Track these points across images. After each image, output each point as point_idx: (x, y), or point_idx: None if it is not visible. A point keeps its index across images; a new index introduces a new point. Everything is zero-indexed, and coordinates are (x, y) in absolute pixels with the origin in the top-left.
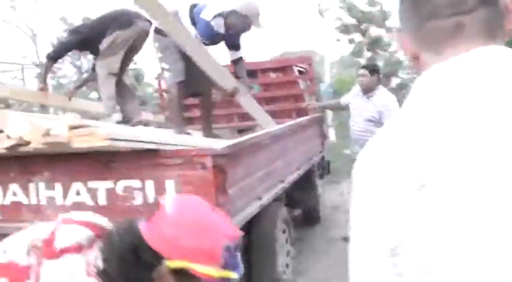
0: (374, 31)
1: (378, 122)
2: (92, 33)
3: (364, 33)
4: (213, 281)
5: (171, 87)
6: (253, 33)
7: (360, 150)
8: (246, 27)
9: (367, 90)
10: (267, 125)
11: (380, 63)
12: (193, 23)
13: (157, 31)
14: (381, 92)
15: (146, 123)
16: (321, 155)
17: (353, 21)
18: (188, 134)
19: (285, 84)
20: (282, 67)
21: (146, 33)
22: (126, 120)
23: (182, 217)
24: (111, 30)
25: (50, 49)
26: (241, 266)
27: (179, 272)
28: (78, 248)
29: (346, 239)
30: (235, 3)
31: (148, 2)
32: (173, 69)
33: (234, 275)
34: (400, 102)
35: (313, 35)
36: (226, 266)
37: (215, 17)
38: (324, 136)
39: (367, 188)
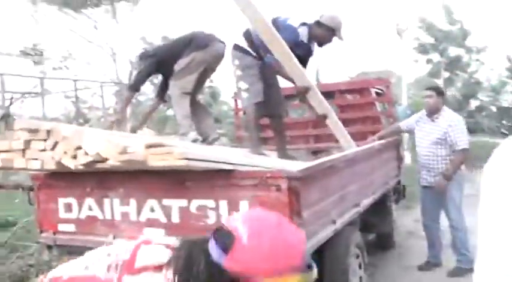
0: (453, 51)
1: (444, 144)
2: (167, 55)
3: (442, 53)
4: None
5: (248, 107)
6: (333, 45)
7: (427, 176)
8: (328, 39)
9: (433, 112)
10: (348, 147)
11: (458, 85)
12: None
13: (239, 48)
14: (446, 112)
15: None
16: (397, 179)
17: (431, 40)
18: (263, 154)
19: (362, 106)
20: (360, 88)
21: (221, 55)
22: (203, 139)
23: (261, 245)
24: (188, 51)
25: (128, 71)
26: (313, 263)
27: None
28: (158, 268)
29: (421, 268)
30: (320, 16)
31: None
32: (252, 90)
33: (313, 274)
34: (478, 125)
35: (391, 55)
36: (305, 268)
37: (301, 25)
38: (400, 160)
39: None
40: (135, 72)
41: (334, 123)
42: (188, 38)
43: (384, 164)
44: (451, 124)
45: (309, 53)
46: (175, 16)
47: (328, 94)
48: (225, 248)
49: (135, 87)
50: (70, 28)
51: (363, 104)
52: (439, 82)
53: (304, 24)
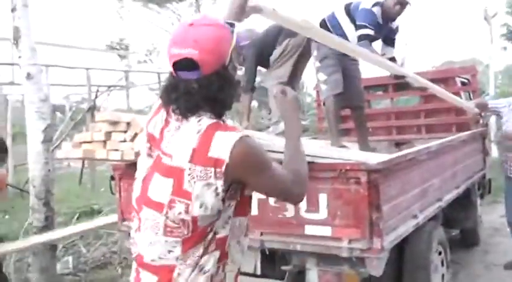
0: None
1: None
2: (262, 45)
3: None
4: (237, 41)
5: (327, 99)
6: (408, 13)
7: None
8: (395, 9)
9: None
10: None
11: None
12: (352, 21)
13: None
14: None
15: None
16: (482, 173)
17: None
18: (344, 146)
19: None
20: (445, 78)
21: (310, 40)
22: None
23: (210, 48)
24: (281, 40)
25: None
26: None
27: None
28: None
29: (507, 267)
30: None
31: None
32: (330, 81)
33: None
34: None
35: (478, 43)
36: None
37: (374, 5)
38: (486, 152)
39: None
40: (240, 73)
41: (438, 91)
42: (278, 27)
43: (468, 156)
44: None
45: (391, 32)
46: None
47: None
48: (195, 65)
49: (249, 87)
50: (154, 22)
51: None
52: None
53: (376, 4)
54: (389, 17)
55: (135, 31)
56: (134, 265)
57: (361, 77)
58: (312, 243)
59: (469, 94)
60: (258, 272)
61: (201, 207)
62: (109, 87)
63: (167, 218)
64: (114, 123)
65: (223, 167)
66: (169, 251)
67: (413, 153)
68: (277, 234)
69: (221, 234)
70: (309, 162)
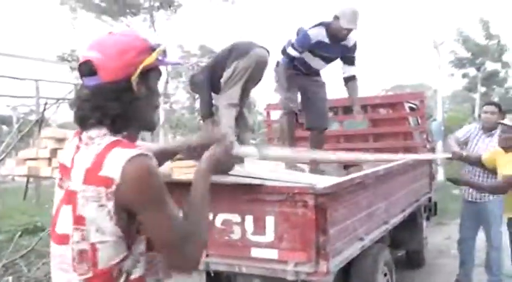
0: (490, 65)
1: None
2: (213, 71)
3: (479, 67)
4: (159, 61)
5: (281, 118)
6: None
7: (473, 191)
8: (341, 31)
9: (490, 129)
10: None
11: (495, 99)
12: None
13: (277, 64)
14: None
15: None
16: (429, 196)
17: (468, 54)
18: (296, 168)
19: (394, 121)
20: (393, 103)
21: (264, 60)
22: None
23: (109, 51)
24: (229, 62)
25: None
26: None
27: (142, 74)
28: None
29: None
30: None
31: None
32: (285, 99)
33: (161, 47)
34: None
35: (426, 69)
36: (154, 48)
37: (314, 26)
38: (432, 176)
39: None
40: (198, 101)
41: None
42: (228, 49)
43: (415, 180)
44: None
45: (347, 50)
46: (212, 24)
47: (361, 108)
48: (93, 70)
49: (208, 112)
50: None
51: (395, 118)
52: (475, 96)
53: (319, 24)
54: (337, 37)
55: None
56: None
57: (325, 97)
58: (258, 265)
59: (417, 119)
60: None
61: (97, 231)
62: (58, 99)
63: (72, 249)
64: (60, 140)
65: (114, 187)
66: None
67: (361, 177)
68: (223, 256)
69: (135, 274)
70: (257, 185)
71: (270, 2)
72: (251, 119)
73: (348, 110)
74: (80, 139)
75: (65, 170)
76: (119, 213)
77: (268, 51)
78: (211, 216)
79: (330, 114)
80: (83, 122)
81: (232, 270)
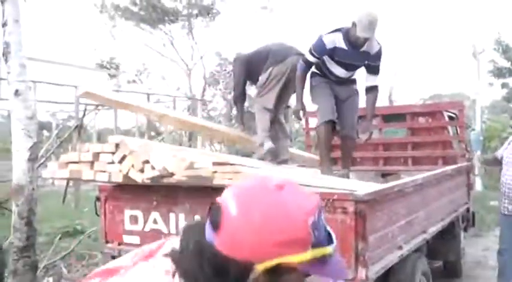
0: None
1: None
2: (251, 65)
3: None
4: (311, 265)
5: (319, 127)
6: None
7: (510, 205)
8: (356, 37)
9: None
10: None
11: None
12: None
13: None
14: None
15: (286, 162)
16: (466, 206)
17: (508, 64)
18: (333, 174)
19: (433, 130)
20: (432, 112)
21: (296, 69)
22: (272, 158)
23: (251, 215)
24: (266, 66)
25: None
26: (332, 234)
27: (272, 271)
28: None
29: None
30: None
31: None
32: (321, 109)
33: (329, 248)
34: None
35: (465, 78)
36: (318, 243)
37: (331, 32)
38: (470, 186)
39: None
40: (233, 83)
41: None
42: (266, 52)
43: (453, 190)
44: None
45: (370, 58)
46: (250, 32)
47: (400, 116)
48: (215, 224)
49: (239, 97)
50: (146, 43)
51: (434, 127)
52: None
53: (336, 30)
54: (356, 44)
55: (126, 51)
56: None
57: (357, 108)
58: None
59: (456, 129)
60: None
61: None
62: (97, 106)
63: None
64: (103, 144)
65: None
66: None
67: (401, 185)
68: None
69: None
70: None
71: (309, 10)
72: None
73: (387, 118)
74: None
75: None
76: None
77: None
78: None
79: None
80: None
81: None
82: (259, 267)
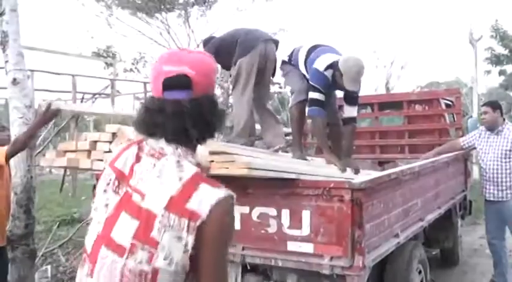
0: None
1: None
2: (220, 52)
3: None
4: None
5: (291, 107)
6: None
7: (494, 190)
8: (342, 85)
9: (492, 128)
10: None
11: None
12: (305, 66)
13: (283, 62)
14: (509, 125)
15: (285, 150)
16: (464, 194)
17: (505, 51)
18: (305, 159)
19: (430, 118)
20: (429, 99)
21: (269, 54)
22: (267, 147)
23: (202, 69)
24: (235, 58)
25: None
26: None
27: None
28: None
29: None
30: (343, 57)
31: None
32: (295, 89)
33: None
34: None
35: (462, 66)
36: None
37: (327, 68)
38: (467, 174)
39: None
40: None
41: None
42: (234, 41)
43: (450, 178)
44: None
45: (347, 96)
46: (246, 21)
47: (397, 104)
48: (187, 84)
49: None
50: (142, 32)
51: (431, 115)
52: None
53: (330, 66)
54: (336, 84)
55: (123, 39)
56: None
57: (335, 95)
58: (294, 259)
59: (453, 116)
60: None
61: (165, 259)
62: (94, 94)
63: (125, 265)
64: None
65: (198, 222)
66: None
67: (397, 173)
68: (259, 249)
69: None
70: (293, 180)
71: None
72: (285, 114)
73: (384, 106)
74: (141, 148)
75: (122, 177)
76: (193, 248)
77: (276, 42)
78: (247, 210)
79: (364, 110)
80: (178, 135)
81: (267, 264)
82: (213, 93)
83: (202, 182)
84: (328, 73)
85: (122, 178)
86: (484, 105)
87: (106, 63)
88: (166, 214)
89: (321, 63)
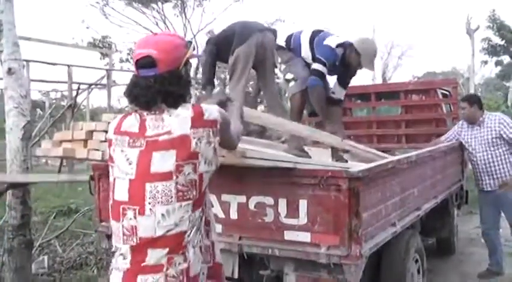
0: None
1: (499, 143)
2: (220, 47)
3: None
4: (195, 54)
5: (294, 96)
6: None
7: (490, 180)
8: (357, 65)
9: (473, 121)
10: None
11: None
12: (311, 49)
13: (280, 47)
14: (488, 115)
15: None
16: (460, 184)
17: (502, 42)
18: (303, 150)
19: (427, 107)
20: (426, 89)
21: (266, 43)
22: (276, 138)
23: (164, 48)
24: (232, 48)
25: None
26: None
27: (184, 66)
28: None
29: (481, 276)
30: (355, 37)
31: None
32: (300, 78)
33: (190, 50)
34: None
35: (459, 56)
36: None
37: (338, 46)
38: (464, 164)
39: None
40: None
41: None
42: (231, 34)
43: (447, 167)
44: (501, 121)
45: (348, 74)
46: (242, 10)
47: (394, 94)
48: (153, 63)
49: (205, 82)
50: (138, 22)
51: (428, 105)
52: (508, 85)
53: (341, 45)
54: (346, 63)
55: (119, 30)
56: (125, 257)
57: (328, 86)
58: (291, 248)
59: (450, 106)
60: (236, 276)
61: (205, 163)
62: (90, 85)
63: (177, 183)
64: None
65: (219, 126)
66: (183, 216)
67: (394, 162)
68: (256, 238)
69: (205, 198)
70: (290, 169)
71: None
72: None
73: (381, 95)
74: (141, 114)
75: (133, 135)
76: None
77: (273, 32)
78: (244, 199)
79: (359, 100)
80: (149, 104)
81: (265, 253)
82: (181, 67)
83: (201, 104)
84: (339, 51)
85: (134, 135)
86: (461, 100)
87: (102, 53)
88: (195, 130)
89: (332, 41)
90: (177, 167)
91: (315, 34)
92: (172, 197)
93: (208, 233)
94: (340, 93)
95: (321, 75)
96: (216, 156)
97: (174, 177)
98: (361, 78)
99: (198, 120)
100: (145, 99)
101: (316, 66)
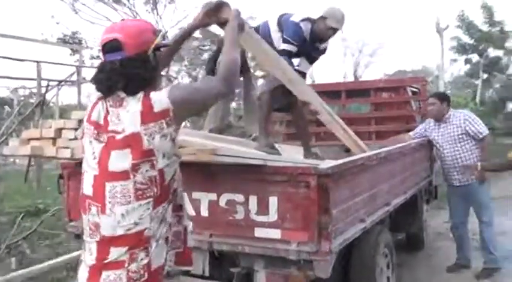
0: (492, 52)
1: (466, 138)
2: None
3: (481, 54)
4: (164, 42)
5: (263, 94)
6: (335, 39)
7: (458, 175)
8: (324, 31)
9: (439, 118)
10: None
11: (496, 86)
12: (280, 30)
13: None
14: (453, 111)
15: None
16: (429, 179)
17: (471, 41)
18: (274, 148)
19: (396, 105)
20: (395, 87)
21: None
22: (248, 135)
23: (130, 32)
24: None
25: None
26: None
27: (153, 51)
28: None
29: (449, 270)
30: (321, 11)
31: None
32: (269, 76)
33: (163, 30)
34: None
35: (428, 54)
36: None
37: (303, 20)
38: (433, 159)
39: None
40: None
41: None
42: None
43: (415, 163)
44: (466, 118)
45: (316, 51)
46: None
47: (364, 91)
48: (118, 48)
49: (209, 68)
50: (109, 18)
51: (398, 102)
52: (477, 83)
53: (306, 19)
54: (318, 37)
55: (89, 26)
56: (91, 253)
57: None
58: (261, 245)
59: (419, 103)
60: (206, 274)
61: (164, 157)
62: (60, 82)
63: (135, 182)
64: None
65: (171, 113)
66: (142, 214)
67: (363, 159)
68: (226, 236)
69: (174, 186)
70: (260, 166)
71: None
72: None
73: (351, 93)
74: (106, 104)
75: (99, 127)
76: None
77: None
78: (215, 197)
79: (330, 98)
80: (111, 88)
81: (235, 250)
82: (150, 52)
83: (150, 93)
84: (304, 25)
85: (99, 128)
86: (431, 96)
87: (72, 49)
88: (145, 126)
89: (297, 16)
90: (133, 166)
91: (281, 16)
92: (130, 196)
93: (180, 219)
94: (305, 68)
95: (289, 54)
96: (175, 147)
97: (132, 177)
98: (332, 76)
99: (147, 114)
100: (107, 83)
101: (283, 46)
